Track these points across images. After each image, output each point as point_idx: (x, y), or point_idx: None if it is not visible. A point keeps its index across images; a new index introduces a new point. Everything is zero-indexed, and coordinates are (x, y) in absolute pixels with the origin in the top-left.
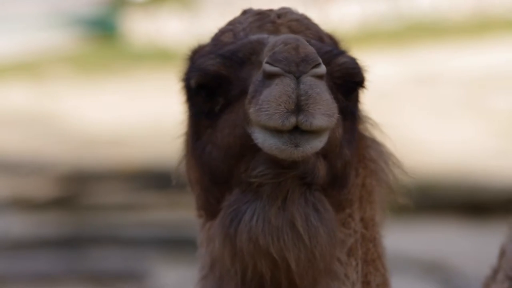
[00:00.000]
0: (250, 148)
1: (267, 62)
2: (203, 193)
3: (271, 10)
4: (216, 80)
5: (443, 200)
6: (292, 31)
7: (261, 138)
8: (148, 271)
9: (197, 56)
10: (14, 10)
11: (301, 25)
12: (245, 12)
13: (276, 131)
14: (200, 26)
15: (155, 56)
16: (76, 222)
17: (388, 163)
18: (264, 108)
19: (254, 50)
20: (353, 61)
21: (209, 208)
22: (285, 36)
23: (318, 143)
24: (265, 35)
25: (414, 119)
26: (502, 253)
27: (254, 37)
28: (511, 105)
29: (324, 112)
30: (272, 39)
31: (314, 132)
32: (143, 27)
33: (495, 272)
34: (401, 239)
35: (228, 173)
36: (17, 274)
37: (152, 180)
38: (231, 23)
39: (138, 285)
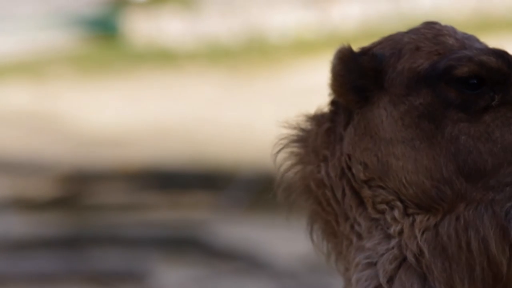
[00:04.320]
0: None
1: None
2: (431, 183)
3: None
4: (497, 76)
5: None
6: None
7: None
8: (148, 271)
9: (391, 51)
10: (14, 10)
11: None
12: (436, 23)
13: None
14: (201, 27)
15: (156, 56)
16: (77, 222)
17: None
18: None
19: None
20: None
21: (433, 198)
22: None
23: None
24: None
25: None
26: None
27: (502, 49)
28: None
29: None
30: None
31: None
32: (144, 28)
33: None
34: None
35: (493, 168)
36: (17, 274)
37: (153, 180)
38: (438, 29)
39: (138, 285)
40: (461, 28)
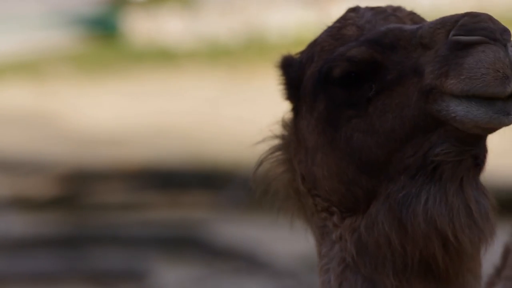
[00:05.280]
0: (423, 129)
1: (457, 34)
2: (344, 186)
3: (381, 7)
4: (369, 66)
5: None
6: (415, 22)
7: (462, 110)
8: (148, 270)
9: (307, 56)
10: (14, 10)
11: (419, 18)
12: (355, 9)
13: (487, 100)
14: (201, 26)
15: (155, 55)
16: (76, 221)
17: None
18: (476, 76)
19: (398, 36)
20: None
21: (352, 201)
22: (463, 13)
23: None
24: (399, 25)
25: None
26: (507, 252)
27: (391, 26)
28: None
29: None
30: (435, 20)
31: None
32: (144, 27)
33: (499, 270)
34: None
35: (385, 159)
36: (17, 274)
37: (152, 179)
38: (347, 19)
39: (138, 285)
40: None
